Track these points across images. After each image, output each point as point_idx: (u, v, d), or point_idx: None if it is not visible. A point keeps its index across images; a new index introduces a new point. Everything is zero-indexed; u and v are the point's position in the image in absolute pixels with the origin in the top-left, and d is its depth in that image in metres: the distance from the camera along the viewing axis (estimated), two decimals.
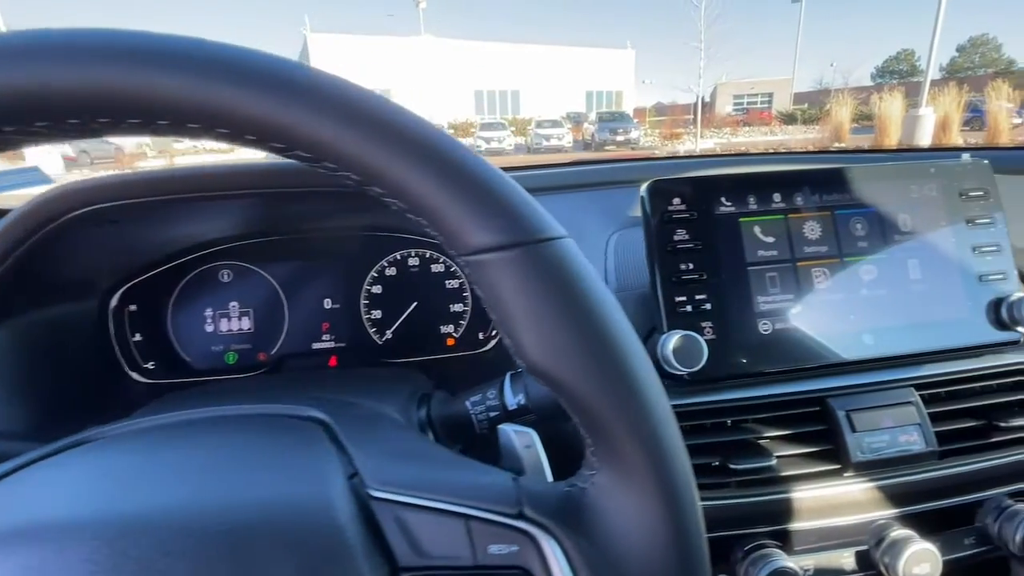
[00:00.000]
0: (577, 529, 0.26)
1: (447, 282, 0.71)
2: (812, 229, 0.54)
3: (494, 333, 0.70)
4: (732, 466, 0.49)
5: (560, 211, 0.75)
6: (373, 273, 0.70)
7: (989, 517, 0.54)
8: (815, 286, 0.53)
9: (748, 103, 31.17)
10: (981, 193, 0.57)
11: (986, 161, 0.57)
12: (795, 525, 0.50)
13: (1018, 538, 0.51)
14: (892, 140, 10.11)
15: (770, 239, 0.53)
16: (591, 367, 0.25)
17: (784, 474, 0.50)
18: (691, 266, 0.51)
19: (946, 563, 0.52)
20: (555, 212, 0.75)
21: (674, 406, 0.51)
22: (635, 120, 18.32)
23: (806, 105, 25.09)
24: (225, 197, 0.54)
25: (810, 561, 0.51)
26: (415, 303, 0.70)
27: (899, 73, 38.52)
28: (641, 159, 1.04)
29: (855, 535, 0.51)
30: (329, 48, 23.07)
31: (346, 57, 23.15)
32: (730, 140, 17.17)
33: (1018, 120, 11.39)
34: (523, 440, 0.35)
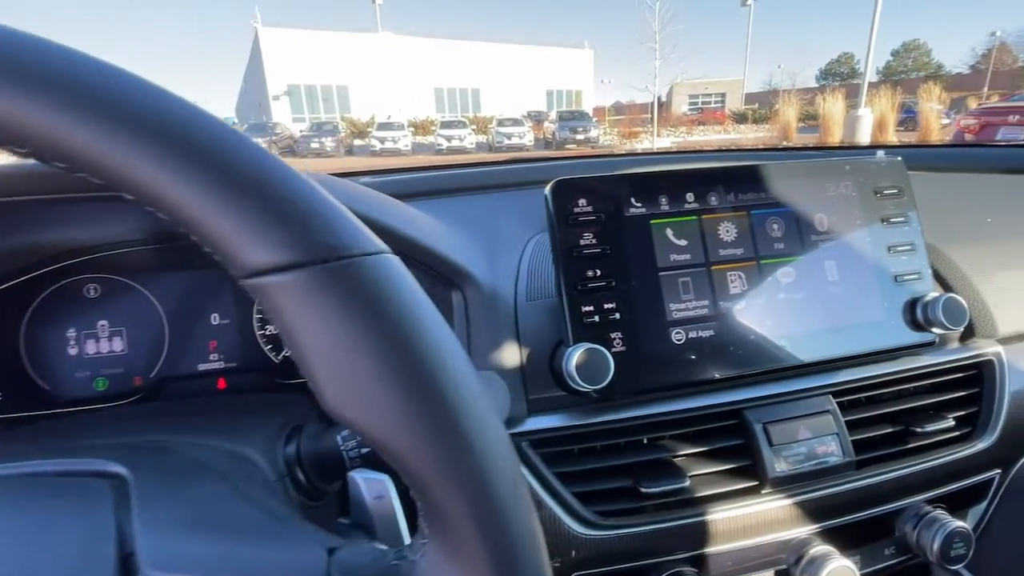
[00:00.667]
0: None
1: None
2: (727, 230, 0.51)
3: None
4: (643, 489, 0.45)
5: (478, 212, 0.70)
6: None
7: (908, 525, 0.52)
8: (730, 291, 0.50)
9: (703, 103, 32.09)
10: (896, 191, 0.55)
11: (899, 158, 0.56)
12: (713, 548, 0.47)
13: (936, 546, 0.50)
14: (835, 139, 10.63)
15: (683, 242, 0.50)
16: (404, 416, 0.20)
17: (700, 495, 0.46)
18: (598, 272, 0.47)
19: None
20: (471, 213, 0.69)
21: (584, 425, 0.47)
22: (595, 119, 18.55)
23: (757, 105, 26.06)
24: (82, 199, 0.47)
25: None
26: None
27: (840, 75, 40.55)
28: (575, 157, 1.01)
29: (774, 554, 0.49)
30: (282, 42, 22.28)
31: (300, 52, 22.42)
32: (686, 139, 17.63)
33: (947, 121, 12.17)
34: (374, 489, 0.29)
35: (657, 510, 0.46)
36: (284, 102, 23.05)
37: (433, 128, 18.37)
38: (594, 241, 0.48)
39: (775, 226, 0.52)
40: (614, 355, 0.46)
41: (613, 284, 0.48)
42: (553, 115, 18.15)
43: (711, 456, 0.48)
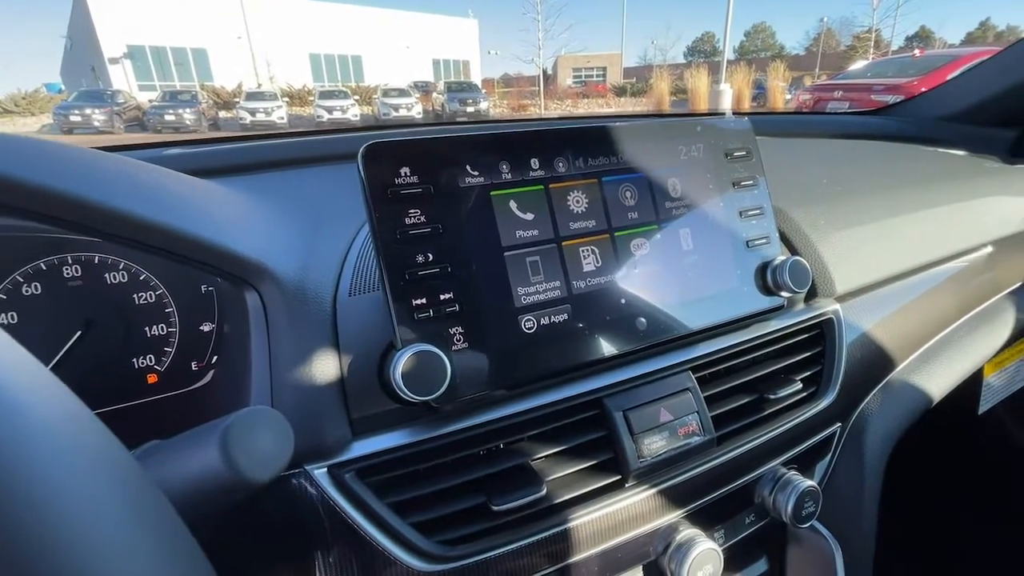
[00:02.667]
0: None
1: (137, 296, 0.50)
2: (578, 200, 0.45)
3: (214, 360, 0.52)
4: (494, 507, 0.39)
5: (304, 190, 0.58)
6: (0, 296, 0.46)
7: (765, 490, 0.52)
8: (584, 268, 0.44)
9: (586, 76, 33.14)
10: (745, 153, 0.54)
11: (746, 119, 0.54)
12: (578, 557, 0.42)
13: (790, 507, 0.50)
14: (703, 110, 11.62)
15: (529, 215, 0.43)
16: None
17: (560, 500, 0.41)
18: (430, 256, 0.39)
19: (728, 548, 0.50)
20: (295, 191, 0.56)
21: (424, 441, 0.39)
22: (483, 91, 18.31)
23: (634, 79, 27.52)
24: None
25: None
26: (80, 331, 0.48)
27: (704, 52, 44.19)
28: (431, 125, 0.91)
29: (641, 548, 0.46)
30: None
31: (142, 8, 19.14)
32: (572, 112, 18.14)
33: (789, 96, 13.86)
34: None
35: (513, 527, 0.40)
36: (126, 66, 19.70)
37: (311, 98, 16.87)
38: (423, 219, 0.39)
39: (628, 193, 0.47)
40: (455, 354, 0.38)
41: (449, 270, 0.40)
42: (441, 86, 17.58)
43: (570, 454, 0.43)
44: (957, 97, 1.08)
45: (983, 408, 0.93)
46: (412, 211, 0.39)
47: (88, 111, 12.99)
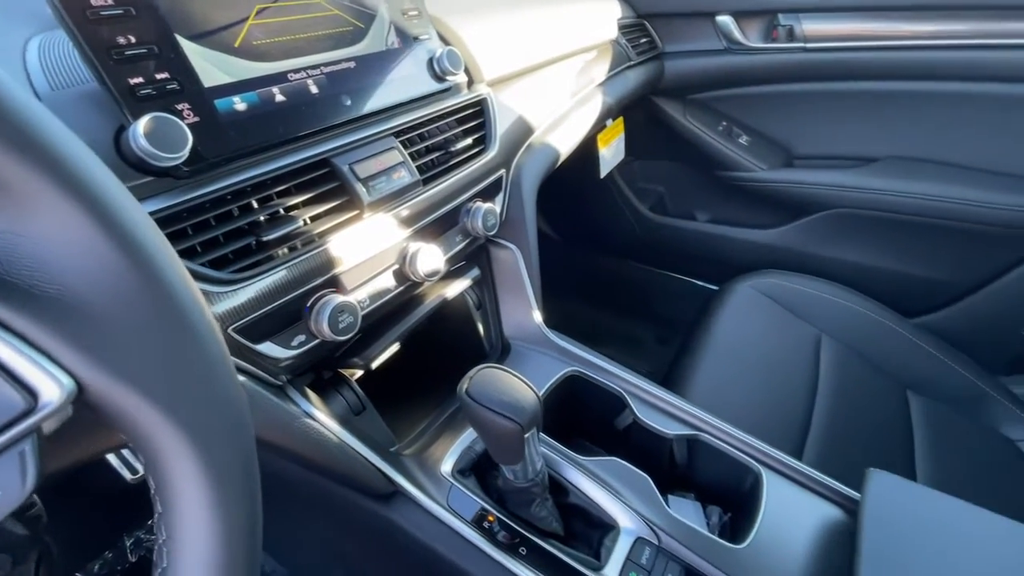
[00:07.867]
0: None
1: None
2: None
3: None
4: (263, 238, 0.51)
5: None
6: None
7: (465, 217, 0.77)
8: (285, 55, 0.55)
9: None
10: None
11: None
12: (341, 269, 0.59)
13: (479, 226, 0.76)
14: None
15: (229, 5, 0.50)
16: None
17: (318, 231, 0.56)
18: (132, 39, 0.44)
19: (448, 260, 0.74)
20: None
21: (188, 200, 0.47)
22: None
23: None
24: None
25: (363, 293, 0.63)
26: None
27: None
28: None
29: (388, 260, 0.65)
30: None
31: None
32: None
33: None
34: None
35: (285, 255, 0.54)
36: None
37: None
38: (110, 1, 0.43)
39: None
40: (189, 126, 0.46)
41: (158, 51, 0.45)
42: None
43: (316, 200, 0.57)
44: None
45: (603, 173, 1.41)
46: None
47: None
